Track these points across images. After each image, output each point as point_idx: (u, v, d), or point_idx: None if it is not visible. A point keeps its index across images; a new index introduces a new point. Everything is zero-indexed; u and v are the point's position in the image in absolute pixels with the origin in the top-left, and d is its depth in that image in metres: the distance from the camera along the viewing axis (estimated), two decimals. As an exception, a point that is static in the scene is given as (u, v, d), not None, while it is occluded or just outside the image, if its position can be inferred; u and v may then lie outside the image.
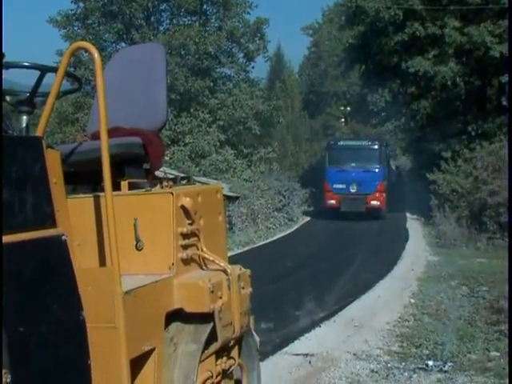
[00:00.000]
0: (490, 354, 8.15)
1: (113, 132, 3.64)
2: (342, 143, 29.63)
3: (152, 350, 3.47)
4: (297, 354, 8.21)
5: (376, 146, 28.54)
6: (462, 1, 23.50)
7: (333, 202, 28.03)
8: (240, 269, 4.14)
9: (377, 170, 27.99)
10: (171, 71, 28.79)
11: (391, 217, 28.34)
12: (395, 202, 30.98)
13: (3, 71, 3.28)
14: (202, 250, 3.90)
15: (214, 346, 3.83)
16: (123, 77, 4.43)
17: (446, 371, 7.51)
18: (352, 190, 27.77)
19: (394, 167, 46.37)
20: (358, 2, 25.91)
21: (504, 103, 23.46)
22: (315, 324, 9.90)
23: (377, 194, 27.64)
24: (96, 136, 3.77)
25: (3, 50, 3.25)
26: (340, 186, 27.83)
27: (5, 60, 3.29)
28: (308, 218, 29.35)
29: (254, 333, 4.51)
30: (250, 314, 4.26)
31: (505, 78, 22.91)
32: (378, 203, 27.61)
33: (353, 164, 27.98)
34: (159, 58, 4.42)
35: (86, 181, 3.84)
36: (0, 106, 3.04)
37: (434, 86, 25.99)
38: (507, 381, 7.12)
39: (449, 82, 24.16)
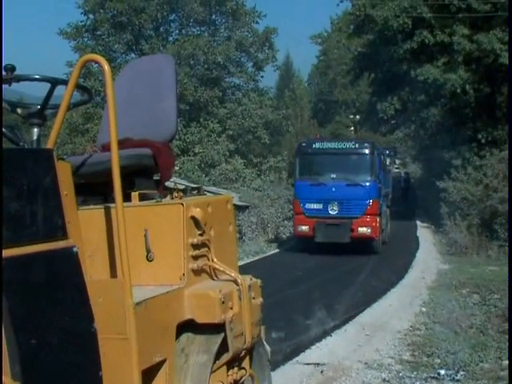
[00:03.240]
0: (502, 363, 8.10)
1: (123, 143, 3.66)
2: (317, 146, 20.46)
3: (163, 361, 3.47)
4: (308, 364, 8.18)
5: (366, 151, 19.93)
6: (470, 8, 23.49)
7: (304, 228, 19.81)
8: (251, 279, 4.14)
9: (367, 184, 19.51)
10: (180, 81, 28.88)
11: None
12: (405, 209, 30.84)
13: (14, 84, 3.31)
14: (212, 261, 3.90)
15: (226, 357, 3.83)
16: (133, 88, 4.45)
17: (458, 380, 7.48)
18: (332, 213, 19.51)
19: (402, 174, 46.31)
20: (367, 10, 25.92)
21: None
22: (326, 333, 9.88)
23: (367, 218, 19.44)
24: (106, 147, 3.79)
25: (14, 64, 3.28)
26: (315, 207, 19.72)
27: (16, 73, 3.31)
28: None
29: (264, 343, 4.50)
30: (261, 323, 4.25)
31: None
32: (369, 231, 19.43)
33: (333, 175, 19.72)
34: (169, 70, 4.44)
35: (97, 192, 3.85)
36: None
37: (443, 94, 25.96)
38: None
39: (458, 90, 24.12)
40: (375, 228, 19.58)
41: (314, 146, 20.63)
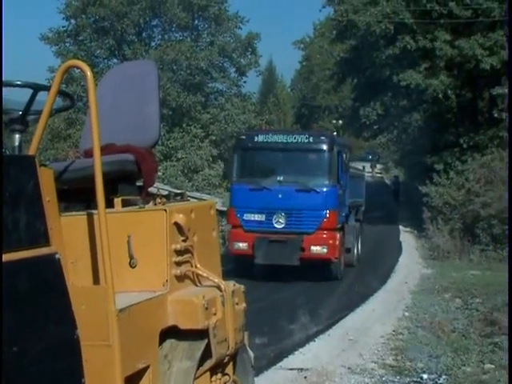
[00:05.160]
0: (484, 367, 8.16)
1: (105, 149, 3.65)
2: (260, 139, 16.17)
3: (146, 368, 3.46)
4: (291, 369, 8.19)
5: (323, 146, 15.74)
6: (452, 14, 23.64)
7: (242, 245, 15.46)
8: (234, 285, 4.14)
9: (324, 190, 15.42)
10: (163, 87, 28.84)
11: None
12: (393, 214, 30.87)
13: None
14: (195, 267, 3.90)
15: (209, 363, 3.83)
16: (115, 94, 4.44)
17: (440, 384, 7.51)
18: (277, 226, 15.39)
19: (386, 180, 46.43)
20: (349, 16, 26.05)
21: (495, 115, 23.59)
22: (309, 338, 9.89)
23: (323, 235, 15.31)
24: (89, 153, 3.78)
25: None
26: (255, 218, 15.51)
27: (-3, 79, 3.29)
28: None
29: (248, 348, 4.50)
30: (245, 329, 4.25)
31: (495, 91, 23.04)
32: (325, 250, 15.23)
33: (279, 178, 15.65)
34: (151, 75, 4.44)
35: (80, 198, 3.83)
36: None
37: (425, 99, 26.10)
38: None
39: (440, 95, 24.25)
40: (333, 247, 15.24)
41: (256, 139, 16.17)
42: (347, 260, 16.95)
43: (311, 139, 15.93)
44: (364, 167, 26.31)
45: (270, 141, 16.02)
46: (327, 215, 15.32)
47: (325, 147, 15.67)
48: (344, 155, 16.54)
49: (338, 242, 15.48)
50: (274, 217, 15.34)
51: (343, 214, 16.52)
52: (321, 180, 15.55)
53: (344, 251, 16.42)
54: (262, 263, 14.92)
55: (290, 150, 15.68)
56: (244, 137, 16.95)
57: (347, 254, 16.97)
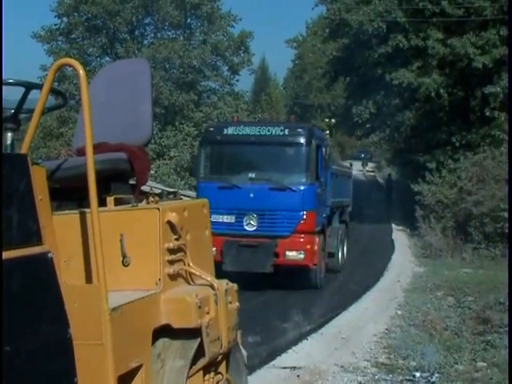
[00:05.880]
0: (476, 365, 8.17)
1: (98, 147, 3.64)
2: (230, 132, 14.53)
3: (139, 367, 3.45)
4: (284, 367, 8.19)
5: (301, 139, 14.13)
6: (444, 13, 23.67)
7: None
8: (227, 283, 4.14)
9: (301, 189, 13.80)
10: (156, 85, 28.80)
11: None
12: (382, 213, 30.91)
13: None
14: (188, 265, 3.89)
15: (202, 362, 3.82)
16: (108, 92, 4.43)
17: (433, 382, 7.53)
18: (248, 229, 13.80)
19: (379, 178, 46.47)
20: (342, 14, 26.06)
21: (487, 114, 23.65)
22: (302, 336, 9.89)
23: (300, 239, 13.72)
24: (81, 151, 3.77)
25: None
26: (224, 219, 13.81)
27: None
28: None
29: (241, 347, 4.50)
30: (238, 328, 4.25)
31: (488, 89, 23.09)
32: (302, 256, 13.67)
33: (251, 175, 14.12)
34: (144, 74, 4.43)
35: (72, 197, 3.82)
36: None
37: (417, 98, 26.13)
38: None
39: (432, 94, 24.29)
40: (311, 252, 13.66)
41: (225, 131, 14.53)
42: (331, 266, 15.81)
43: (287, 131, 14.22)
44: (351, 164, 26.05)
45: (240, 133, 14.38)
46: (304, 217, 13.66)
47: (302, 140, 14.02)
48: (324, 149, 14.93)
49: (316, 247, 13.85)
50: (245, 218, 13.70)
51: (323, 216, 14.82)
52: (297, 177, 13.87)
53: (325, 256, 14.99)
54: (231, 270, 12.58)
55: (264, 144, 14.11)
56: (212, 129, 15.24)
57: (330, 259, 15.74)
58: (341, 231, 17.00)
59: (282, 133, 14.18)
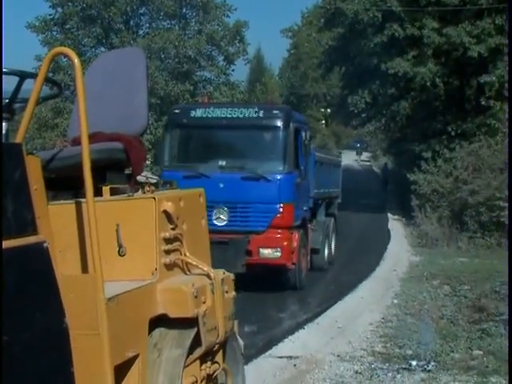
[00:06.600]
0: (472, 353, 8.20)
1: (93, 137, 3.63)
2: (198, 114, 12.85)
3: (136, 357, 3.45)
4: (281, 357, 8.20)
5: (278, 122, 12.65)
6: (439, 2, 23.62)
7: None
8: (223, 273, 4.15)
9: (278, 178, 12.29)
10: (151, 75, 28.73)
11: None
12: (378, 202, 30.93)
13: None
14: (185, 255, 3.89)
15: (199, 351, 3.83)
16: (103, 82, 4.41)
17: (429, 371, 7.54)
18: (217, 223, 12.22)
19: (375, 167, 46.45)
20: (337, 4, 25.97)
21: (483, 103, 23.64)
22: (299, 326, 9.90)
23: (276, 234, 12.26)
24: (76, 141, 3.76)
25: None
26: None
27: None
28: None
29: (238, 337, 4.50)
30: (234, 317, 4.25)
31: (483, 78, 23.08)
32: (278, 254, 12.20)
33: (221, 162, 12.58)
34: (139, 63, 4.41)
35: (67, 187, 3.81)
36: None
37: (413, 87, 26.09)
38: (490, 379, 7.18)
39: (428, 83, 24.26)
40: (288, 249, 12.22)
41: (192, 113, 12.84)
42: (316, 263, 14.49)
43: (261, 113, 12.60)
44: (340, 152, 25.71)
45: (210, 116, 12.75)
46: (281, 210, 12.17)
47: (279, 123, 12.52)
48: (304, 134, 13.28)
49: (295, 244, 12.42)
50: (214, 212, 12.01)
51: (304, 208, 13.33)
52: (274, 165, 12.37)
53: (307, 254, 13.57)
54: None
55: (235, 128, 12.65)
56: (178, 111, 13.36)
57: (315, 256, 14.43)
58: (327, 225, 15.58)
59: (256, 115, 12.62)
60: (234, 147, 12.99)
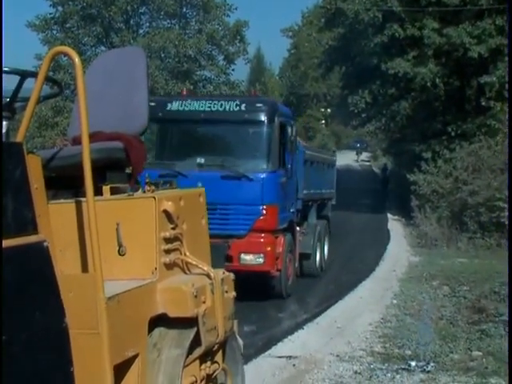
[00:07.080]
0: (472, 354, 8.20)
1: (94, 136, 3.63)
2: (175, 107, 11.98)
3: (136, 356, 3.45)
4: (280, 357, 8.20)
5: (261, 116, 11.67)
6: (440, 2, 23.60)
7: None
8: (223, 272, 4.15)
9: (261, 177, 11.35)
10: (151, 74, 28.73)
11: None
12: (378, 202, 30.89)
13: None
14: (185, 255, 3.89)
15: (198, 351, 3.83)
16: (104, 81, 4.41)
17: (428, 371, 7.54)
18: None
19: (375, 168, 46.45)
20: (338, 4, 25.97)
21: (483, 104, 23.64)
22: (298, 326, 9.90)
23: (259, 239, 11.34)
24: (77, 140, 3.76)
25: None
26: None
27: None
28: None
29: (237, 336, 4.50)
30: (234, 317, 4.25)
31: (483, 79, 23.08)
32: (261, 260, 11.27)
33: (200, 160, 11.61)
34: (140, 63, 4.41)
35: (68, 186, 3.81)
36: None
37: (413, 87, 26.09)
38: (490, 380, 7.18)
39: (428, 83, 24.25)
40: (272, 256, 11.29)
41: (168, 107, 11.96)
42: (306, 269, 13.76)
43: (244, 107, 11.62)
44: (335, 151, 25.51)
45: (187, 109, 11.82)
46: (264, 212, 11.22)
47: (262, 118, 11.56)
48: (290, 129, 12.36)
49: (281, 249, 11.51)
50: None
51: (291, 210, 12.44)
52: (257, 163, 11.44)
53: (294, 260, 12.62)
54: None
55: (215, 122, 11.74)
56: (153, 104, 11.05)
57: (306, 262, 13.69)
58: (319, 228, 14.61)
59: (237, 108, 11.63)
60: (214, 143, 12.14)
